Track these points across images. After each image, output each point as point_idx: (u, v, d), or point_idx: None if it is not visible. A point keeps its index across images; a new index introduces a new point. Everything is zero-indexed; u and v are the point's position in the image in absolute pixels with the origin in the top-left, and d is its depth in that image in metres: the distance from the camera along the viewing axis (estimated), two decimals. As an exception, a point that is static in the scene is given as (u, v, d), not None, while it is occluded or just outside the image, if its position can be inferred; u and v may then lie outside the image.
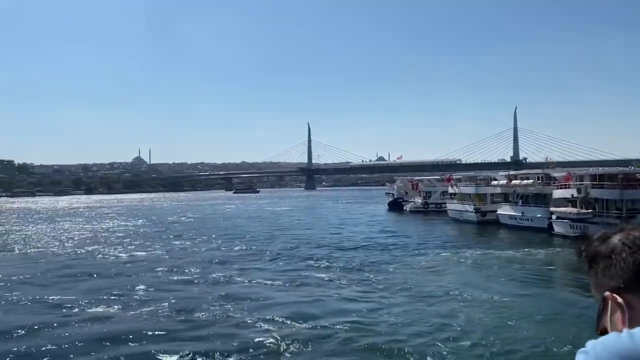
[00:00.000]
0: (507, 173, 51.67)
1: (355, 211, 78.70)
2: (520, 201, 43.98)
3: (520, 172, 51.22)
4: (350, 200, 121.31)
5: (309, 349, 13.66)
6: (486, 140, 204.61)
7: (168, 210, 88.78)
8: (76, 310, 17.79)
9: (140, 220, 63.42)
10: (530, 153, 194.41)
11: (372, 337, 14.48)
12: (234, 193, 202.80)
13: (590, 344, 1.02)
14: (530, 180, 43.82)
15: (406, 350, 13.40)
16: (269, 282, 22.92)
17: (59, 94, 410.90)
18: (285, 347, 13.77)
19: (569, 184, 37.83)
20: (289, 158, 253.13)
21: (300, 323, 15.76)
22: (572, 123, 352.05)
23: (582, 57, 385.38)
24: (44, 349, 13.68)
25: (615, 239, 1.13)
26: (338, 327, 15.38)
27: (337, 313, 17.16)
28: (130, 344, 14.18)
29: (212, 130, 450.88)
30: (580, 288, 17.35)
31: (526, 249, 31.34)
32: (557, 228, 37.08)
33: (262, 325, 15.71)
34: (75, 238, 43.59)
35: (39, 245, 38.68)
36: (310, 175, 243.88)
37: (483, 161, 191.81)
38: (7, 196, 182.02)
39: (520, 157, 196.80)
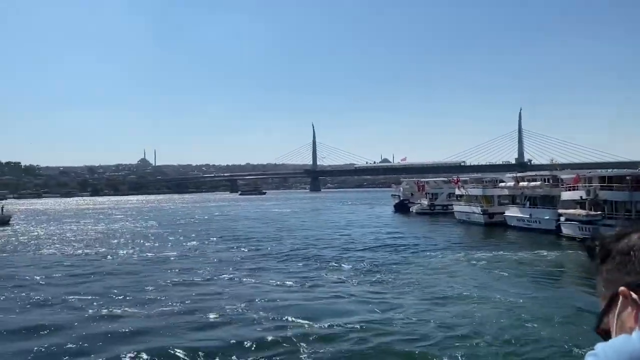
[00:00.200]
0: (514, 175, 51.68)
1: (362, 213, 78.83)
2: (528, 203, 44.01)
3: (528, 173, 51.21)
4: (355, 202, 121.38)
5: (324, 349, 13.72)
6: (491, 142, 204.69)
7: (175, 212, 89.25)
8: (92, 309, 18.01)
9: (151, 222, 63.85)
10: (535, 155, 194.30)
11: (387, 337, 14.58)
12: (239, 195, 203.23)
13: (600, 346, 1.00)
14: (538, 182, 43.83)
15: (423, 351, 13.50)
16: (280, 282, 23.05)
17: (64, 96, 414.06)
18: (299, 346, 13.87)
19: (577, 186, 37.84)
20: (294, 160, 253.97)
21: (314, 323, 15.84)
22: (578, 125, 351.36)
23: (588, 58, 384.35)
24: (64, 347, 13.89)
25: (635, 237, 1.13)
26: (353, 327, 15.42)
27: (351, 313, 17.22)
28: (144, 341, 14.40)
29: (217, 131, 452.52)
30: (593, 289, 17.35)
31: (535, 251, 31.38)
32: (566, 230, 37.09)
33: (276, 324, 15.86)
34: (89, 239, 44.02)
35: (53, 245, 39.08)
36: (315, 177, 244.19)
37: (488, 163, 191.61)
38: (13, 197, 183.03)
39: (525, 159, 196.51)
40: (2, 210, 64.56)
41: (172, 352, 13.49)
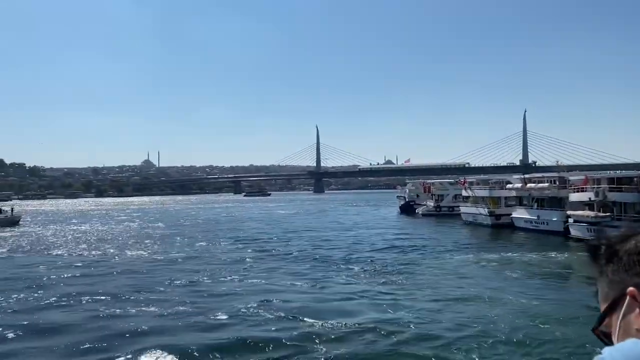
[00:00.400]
0: (522, 176, 51.64)
1: (367, 214, 78.88)
2: (536, 204, 43.96)
3: (535, 175, 51.13)
4: (360, 203, 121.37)
5: (338, 350, 13.71)
6: (495, 144, 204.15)
7: (181, 213, 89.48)
8: (106, 308, 18.19)
9: (157, 223, 64.08)
10: (540, 156, 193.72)
11: (402, 337, 14.61)
12: (244, 196, 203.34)
13: (607, 350, 0.99)
14: (546, 184, 43.76)
15: (438, 352, 13.52)
16: (291, 282, 23.16)
17: (68, 97, 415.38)
18: (313, 346, 13.93)
19: (585, 187, 37.80)
20: (297, 161, 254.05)
21: (327, 323, 15.89)
22: (583, 126, 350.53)
23: (592, 59, 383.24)
24: (80, 345, 14.05)
25: None
26: (366, 327, 15.43)
27: (363, 314, 17.27)
28: (158, 340, 14.57)
29: (221, 133, 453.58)
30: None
31: (544, 252, 31.36)
32: (574, 231, 37.03)
33: (288, 324, 15.94)
34: (98, 239, 44.30)
35: (63, 246, 39.34)
36: (319, 178, 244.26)
37: (492, 164, 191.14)
38: (18, 199, 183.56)
39: (530, 161, 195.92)
40: (11, 211, 64.92)
41: (187, 350, 13.60)
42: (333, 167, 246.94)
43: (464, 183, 58.70)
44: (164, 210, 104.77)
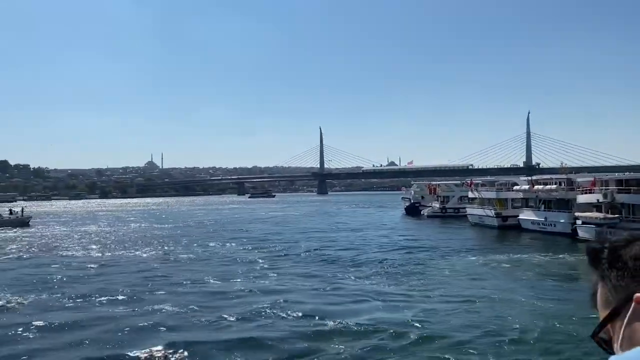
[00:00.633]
0: (529, 178, 51.80)
1: (372, 215, 79.12)
2: (543, 206, 44.12)
3: (543, 176, 51.30)
4: (364, 205, 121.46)
5: (354, 350, 13.90)
6: (498, 145, 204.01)
7: (189, 214, 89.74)
8: (123, 306, 18.52)
9: (166, 224, 64.41)
10: (543, 158, 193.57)
11: (420, 338, 14.75)
12: (249, 197, 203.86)
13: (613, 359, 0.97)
14: (554, 186, 43.92)
15: (454, 351, 13.73)
16: (303, 283, 23.35)
17: (71, 98, 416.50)
18: (329, 347, 14.09)
19: (593, 189, 37.95)
20: (300, 163, 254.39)
21: (342, 323, 16.06)
22: (586, 127, 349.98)
23: (595, 59, 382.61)
24: (97, 343, 14.35)
25: None
26: (382, 327, 15.59)
27: (379, 314, 17.41)
28: (170, 336, 14.98)
29: (224, 134, 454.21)
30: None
31: (554, 254, 31.49)
32: (582, 233, 37.15)
33: (302, 323, 16.18)
34: (108, 240, 44.71)
35: (75, 246, 39.77)
36: (323, 179, 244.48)
37: (496, 166, 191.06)
38: (23, 200, 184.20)
39: (533, 162, 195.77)
40: (22, 211, 65.40)
41: (200, 348, 13.90)
42: (336, 168, 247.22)
43: (471, 184, 58.89)
44: (171, 211, 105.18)
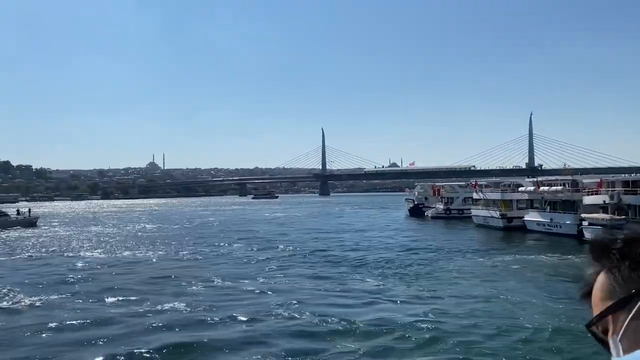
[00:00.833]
0: (534, 179, 51.88)
1: (376, 216, 79.20)
2: (549, 207, 44.17)
3: (549, 178, 51.39)
4: (367, 206, 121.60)
5: (368, 349, 13.97)
6: (500, 147, 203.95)
7: (194, 215, 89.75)
8: (136, 305, 18.64)
9: (173, 225, 64.69)
10: (546, 159, 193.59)
11: (436, 338, 14.84)
12: (252, 198, 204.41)
13: None
14: (560, 187, 43.98)
15: (467, 350, 13.80)
16: (310, 282, 23.58)
17: (74, 99, 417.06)
18: (342, 345, 14.19)
19: (599, 190, 38.00)
20: (302, 164, 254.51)
21: (357, 324, 16.11)
22: (589, 129, 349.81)
23: (597, 60, 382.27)
24: (110, 341, 14.47)
25: None
26: (398, 328, 15.64)
27: (393, 315, 17.46)
28: (183, 334, 15.13)
29: (226, 135, 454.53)
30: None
31: (560, 255, 31.57)
32: (588, 234, 37.15)
33: (312, 322, 16.29)
34: (116, 240, 44.92)
35: (84, 247, 39.93)
36: (325, 181, 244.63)
37: (498, 167, 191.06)
38: (26, 200, 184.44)
39: (536, 164, 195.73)
40: (29, 212, 65.60)
41: (211, 345, 14.13)
42: (338, 169, 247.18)
43: (475, 186, 58.98)
44: (175, 212, 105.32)
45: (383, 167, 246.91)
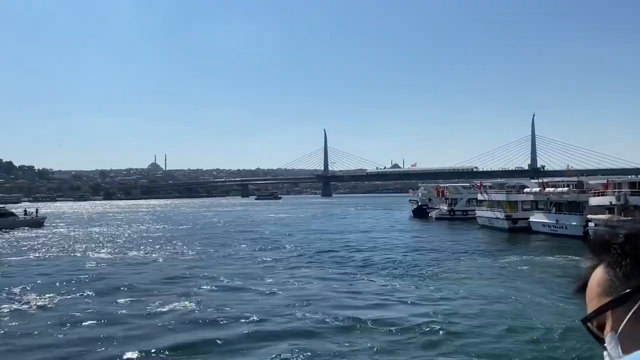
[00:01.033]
0: (539, 180, 51.95)
1: (379, 217, 79.29)
2: (554, 209, 44.23)
3: (554, 179, 51.47)
4: (370, 207, 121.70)
5: (380, 348, 14.03)
6: (503, 148, 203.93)
7: (198, 216, 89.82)
8: (148, 305, 18.72)
9: (179, 225, 64.88)
10: (548, 160, 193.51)
11: (452, 339, 14.89)
12: (256, 199, 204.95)
13: None
14: (566, 188, 44.04)
15: (480, 350, 13.88)
16: (318, 282, 23.68)
17: (76, 100, 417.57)
18: (353, 344, 14.28)
19: (605, 192, 38.07)
20: (304, 165, 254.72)
21: (365, 322, 16.21)
22: (591, 130, 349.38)
23: (600, 61, 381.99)
24: (122, 338, 14.62)
25: None
26: (413, 328, 15.66)
27: (399, 314, 17.56)
28: (193, 333, 15.28)
29: (227, 136, 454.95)
30: None
31: (567, 256, 31.56)
32: (595, 235, 37.28)
33: (324, 322, 16.36)
34: (125, 241, 45.12)
35: (94, 247, 40.05)
36: (327, 182, 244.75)
37: (500, 169, 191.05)
38: (28, 201, 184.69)
39: (538, 165, 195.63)
40: (36, 212, 65.84)
41: (228, 346, 14.21)
42: (340, 171, 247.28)
43: (480, 187, 59.06)
44: (179, 212, 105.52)
45: (385, 168, 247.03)
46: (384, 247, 38.14)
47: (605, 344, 0.98)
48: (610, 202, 36.58)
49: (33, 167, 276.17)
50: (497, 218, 51.61)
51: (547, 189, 46.03)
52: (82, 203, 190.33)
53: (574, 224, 41.09)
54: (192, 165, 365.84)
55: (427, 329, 15.62)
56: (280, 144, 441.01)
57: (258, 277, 25.09)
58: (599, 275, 1.05)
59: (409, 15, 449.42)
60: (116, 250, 37.33)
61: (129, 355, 13.36)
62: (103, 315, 17.34)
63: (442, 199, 72.31)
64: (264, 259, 31.86)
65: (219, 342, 14.43)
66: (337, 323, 16.25)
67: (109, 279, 24.69)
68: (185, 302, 18.99)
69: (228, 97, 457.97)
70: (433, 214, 70.69)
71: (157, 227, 62.99)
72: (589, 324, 1.04)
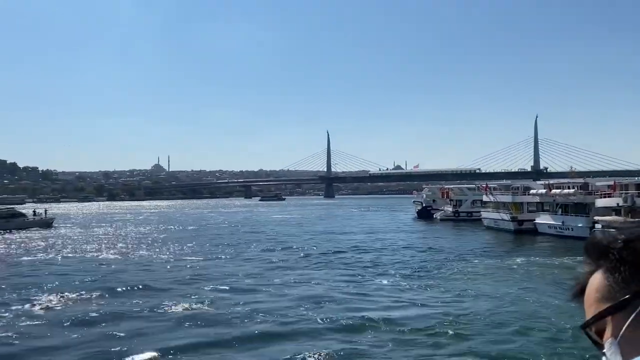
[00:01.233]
0: (545, 182, 52.02)
1: (384, 219, 79.41)
2: (560, 210, 44.29)
3: (560, 180, 51.53)
4: (373, 208, 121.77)
5: (390, 347, 14.19)
6: (505, 150, 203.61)
7: (204, 217, 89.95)
8: (158, 305, 18.90)
9: (186, 226, 65.14)
10: (551, 162, 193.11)
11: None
12: (260, 200, 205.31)
13: None
14: (572, 190, 44.10)
15: (491, 349, 13.97)
16: (327, 282, 23.86)
17: (78, 100, 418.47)
18: (363, 342, 14.42)
19: (612, 193, 38.12)
20: (307, 166, 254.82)
21: (376, 321, 16.35)
22: (593, 130, 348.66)
23: (602, 62, 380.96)
24: (130, 336, 14.72)
25: None
26: (426, 330, 15.76)
27: (409, 313, 17.73)
28: (210, 331, 15.50)
29: (231, 137, 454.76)
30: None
31: (575, 257, 31.55)
32: (601, 237, 37.31)
33: (331, 320, 16.55)
34: (134, 241, 45.38)
35: (105, 247, 40.33)
36: (330, 183, 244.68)
37: (503, 170, 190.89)
38: (32, 202, 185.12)
39: (541, 166, 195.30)
40: (45, 213, 66.20)
41: (238, 344, 14.42)
42: (343, 172, 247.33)
43: (486, 188, 59.16)
44: (184, 213, 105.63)
45: (387, 169, 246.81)
46: (391, 248, 38.31)
47: (604, 350, 0.96)
48: (617, 204, 36.63)
49: (37, 168, 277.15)
50: (502, 219, 51.67)
51: (553, 191, 46.09)
52: (87, 204, 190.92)
53: (580, 225, 41.12)
54: (194, 166, 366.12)
55: (438, 329, 15.74)
56: (282, 145, 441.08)
57: (267, 277, 25.30)
58: (597, 280, 1.04)
59: (412, 16, 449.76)
60: (126, 251, 37.57)
61: (144, 355, 13.49)
62: (116, 315, 17.52)
63: (446, 200, 72.36)
64: (273, 259, 32.07)
65: (233, 342, 14.60)
66: (348, 323, 16.39)
67: (121, 279, 24.89)
68: (198, 302, 19.20)
69: (229, 98, 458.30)
70: (438, 215, 70.73)
71: (164, 227, 63.26)
72: (587, 330, 1.03)
